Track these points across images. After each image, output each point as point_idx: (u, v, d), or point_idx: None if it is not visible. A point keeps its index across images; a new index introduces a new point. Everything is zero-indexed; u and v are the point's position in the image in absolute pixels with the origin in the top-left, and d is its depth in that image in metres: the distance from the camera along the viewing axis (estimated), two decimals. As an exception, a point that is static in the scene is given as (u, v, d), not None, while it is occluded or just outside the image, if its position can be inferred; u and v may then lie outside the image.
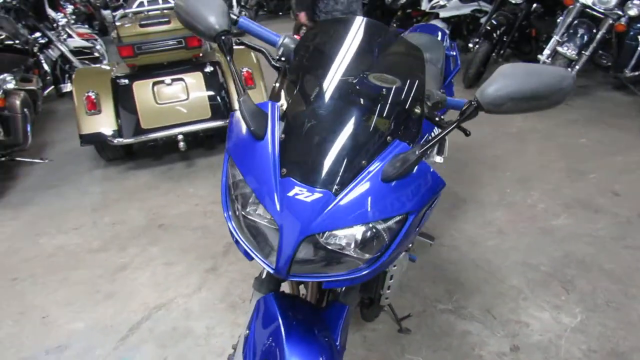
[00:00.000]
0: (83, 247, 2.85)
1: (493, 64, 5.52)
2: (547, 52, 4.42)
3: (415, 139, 1.17)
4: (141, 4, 4.63)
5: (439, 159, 2.47)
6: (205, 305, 2.33)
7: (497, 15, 5.07)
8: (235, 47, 1.24)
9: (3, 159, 3.79)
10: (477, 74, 5.00)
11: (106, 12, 10.30)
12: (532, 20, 5.12)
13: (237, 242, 1.14)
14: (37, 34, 5.55)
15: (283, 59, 1.31)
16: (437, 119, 1.30)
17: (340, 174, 1.05)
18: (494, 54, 5.16)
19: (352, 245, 1.06)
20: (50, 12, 6.06)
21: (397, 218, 1.07)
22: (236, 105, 3.08)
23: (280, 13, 12.46)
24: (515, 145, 3.87)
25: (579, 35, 4.34)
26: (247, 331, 1.29)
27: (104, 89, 3.67)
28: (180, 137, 3.64)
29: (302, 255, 1.06)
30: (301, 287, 1.67)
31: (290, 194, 1.04)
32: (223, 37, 1.17)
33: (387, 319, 2.16)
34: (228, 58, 1.17)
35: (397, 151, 1.08)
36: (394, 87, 1.16)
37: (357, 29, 1.22)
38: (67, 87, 5.81)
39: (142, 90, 3.62)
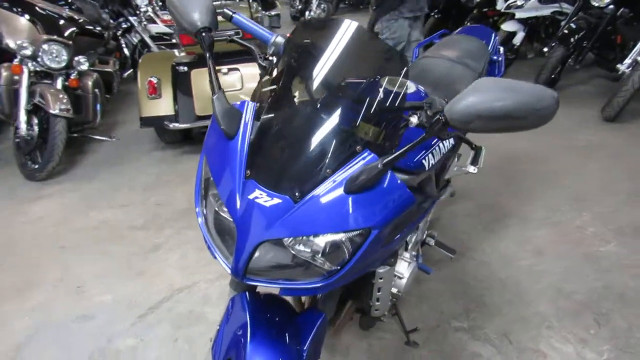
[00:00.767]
0: (126, 223, 3.02)
1: (569, 71, 5.16)
2: (628, 61, 4.05)
3: (392, 149, 1.11)
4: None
5: (472, 169, 2.36)
6: (224, 293, 2.39)
7: (578, 19, 4.69)
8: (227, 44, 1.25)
9: (75, 134, 4.11)
10: (548, 81, 4.68)
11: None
12: (618, 25, 4.70)
13: (205, 239, 1.17)
14: (121, 19, 5.93)
15: (272, 58, 1.31)
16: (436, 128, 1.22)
17: (302, 181, 1.04)
18: (570, 61, 4.80)
19: (312, 255, 1.05)
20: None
21: (359, 232, 1.03)
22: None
23: (361, 6, 12.38)
24: (578, 160, 3.60)
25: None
26: (218, 327, 1.31)
27: (165, 74, 3.85)
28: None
29: (260, 259, 1.06)
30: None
31: (251, 196, 1.04)
32: (204, 34, 1.19)
33: (397, 329, 2.11)
34: (207, 55, 1.18)
35: (367, 162, 1.04)
36: (368, 96, 1.11)
37: (341, 33, 1.18)
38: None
39: (199, 78, 3.76)
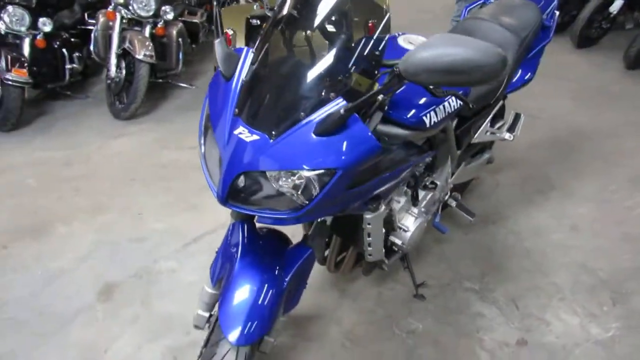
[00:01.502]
0: (190, 164, 3.35)
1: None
2: None
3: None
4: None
5: (508, 136, 2.38)
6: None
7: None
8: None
9: (160, 80, 4.51)
10: (638, 56, 4.23)
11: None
12: None
13: (203, 170, 1.37)
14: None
15: (276, 7, 1.44)
16: (391, 79, 1.17)
17: (279, 121, 1.19)
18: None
19: (285, 188, 1.20)
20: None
21: (325, 171, 1.16)
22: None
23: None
24: (649, 139, 3.37)
25: None
26: (217, 250, 1.53)
27: (240, 27, 4.07)
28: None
29: (239, 188, 1.24)
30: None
31: (236, 132, 1.21)
32: None
33: (409, 282, 2.22)
34: (215, 2, 1.35)
35: (337, 108, 1.14)
36: (342, 46, 1.22)
37: None
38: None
39: (269, 32, 3.95)
